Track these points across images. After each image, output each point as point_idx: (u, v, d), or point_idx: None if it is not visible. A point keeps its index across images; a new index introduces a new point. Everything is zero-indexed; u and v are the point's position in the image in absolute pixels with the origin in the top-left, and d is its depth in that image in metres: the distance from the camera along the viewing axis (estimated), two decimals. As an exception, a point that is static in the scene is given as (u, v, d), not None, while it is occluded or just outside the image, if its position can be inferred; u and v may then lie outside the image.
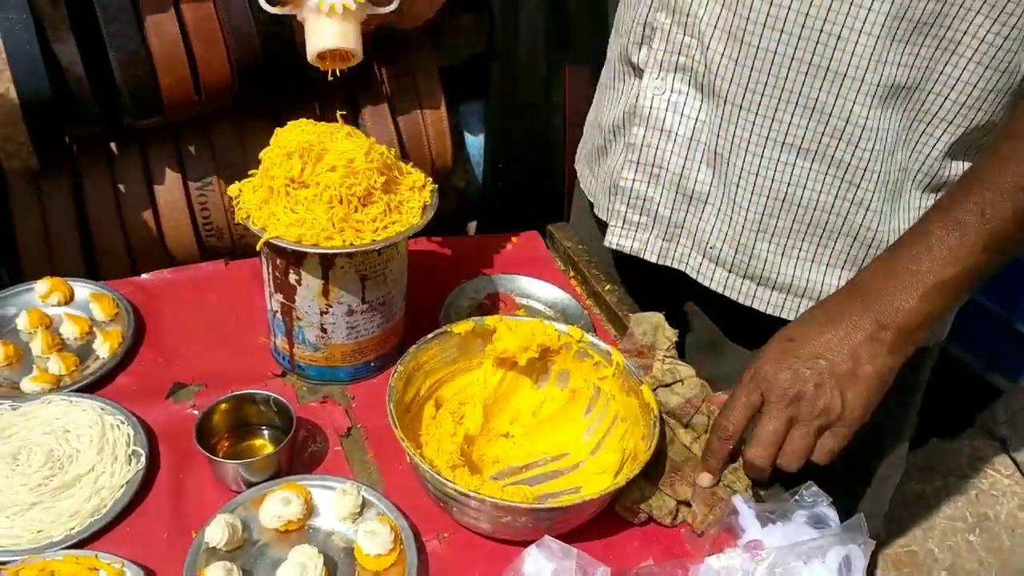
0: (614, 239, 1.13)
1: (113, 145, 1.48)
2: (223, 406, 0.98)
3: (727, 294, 1.08)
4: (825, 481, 1.17)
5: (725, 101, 0.98)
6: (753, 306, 1.07)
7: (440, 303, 1.19)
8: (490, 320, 1.03)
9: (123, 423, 0.98)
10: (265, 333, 1.12)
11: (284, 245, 0.96)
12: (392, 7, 1.06)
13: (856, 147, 0.94)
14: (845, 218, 0.99)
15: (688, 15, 0.97)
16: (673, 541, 0.93)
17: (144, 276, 1.24)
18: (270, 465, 0.94)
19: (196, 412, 1.01)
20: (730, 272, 1.07)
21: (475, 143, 1.81)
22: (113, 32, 1.29)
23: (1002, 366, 2.32)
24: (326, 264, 0.98)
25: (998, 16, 0.86)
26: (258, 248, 0.99)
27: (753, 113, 0.96)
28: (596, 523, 0.92)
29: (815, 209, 0.99)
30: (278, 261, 1.01)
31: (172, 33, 1.32)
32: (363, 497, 0.92)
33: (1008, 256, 0.88)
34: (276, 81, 1.44)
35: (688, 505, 0.94)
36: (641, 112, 1.05)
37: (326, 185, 0.96)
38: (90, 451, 0.94)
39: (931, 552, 2.06)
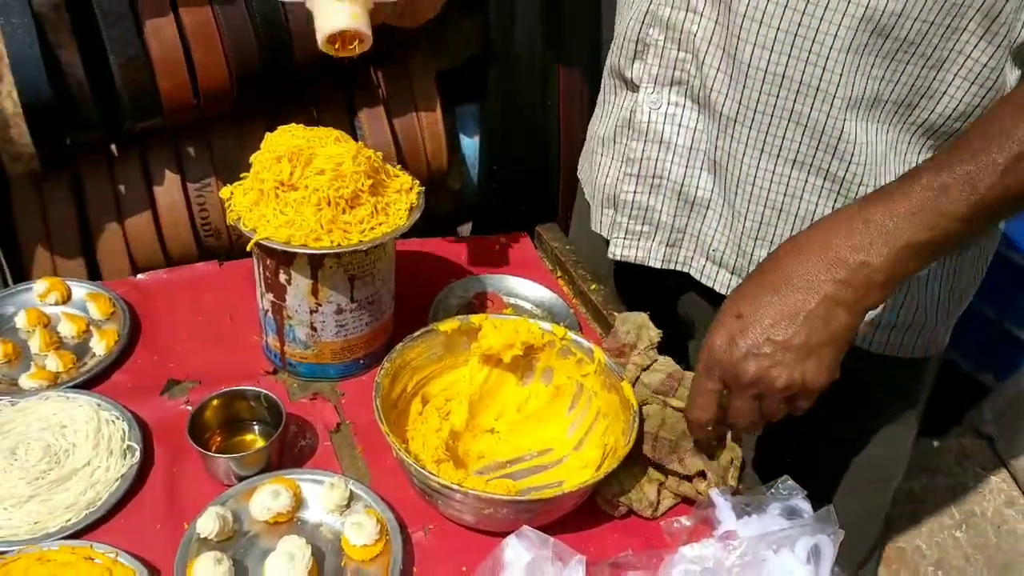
0: (617, 251, 1.14)
1: (113, 147, 1.50)
2: (215, 402, 1.00)
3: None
4: (827, 480, 1.18)
5: (721, 115, 0.99)
6: None
7: (430, 302, 1.21)
8: (475, 318, 1.05)
9: (118, 419, 1.00)
10: (257, 332, 1.14)
11: (274, 246, 0.98)
12: None
13: (850, 162, 0.95)
14: None
15: (681, 32, 0.98)
16: (653, 533, 0.95)
17: (140, 276, 1.26)
18: (260, 459, 0.96)
19: (189, 408, 1.03)
20: (732, 274, 1.08)
21: (471, 145, 1.82)
22: (113, 37, 1.30)
23: (991, 365, 2.33)
24: (315, 264, 1.01)
25: (983, 34, 0.86)
26: (248, 248, 1.01)
27: (748, 127, 0.97)
28: (578, 516, 0.94)
29: (812, 219, 0.99)
30: (268, 261, 1.03)
31: (171, 38, 1.33)
32: (351, 490, 0.94)
33: (986, 230, 0.83)
34: (274, 84, 1.46)
35: (704, 476, 0.95)
36: (638, 126, 1.06)
37: (315, 188, 0.98)
38: (86, 446, 0.96)
39: (919, 548, 2.08)
